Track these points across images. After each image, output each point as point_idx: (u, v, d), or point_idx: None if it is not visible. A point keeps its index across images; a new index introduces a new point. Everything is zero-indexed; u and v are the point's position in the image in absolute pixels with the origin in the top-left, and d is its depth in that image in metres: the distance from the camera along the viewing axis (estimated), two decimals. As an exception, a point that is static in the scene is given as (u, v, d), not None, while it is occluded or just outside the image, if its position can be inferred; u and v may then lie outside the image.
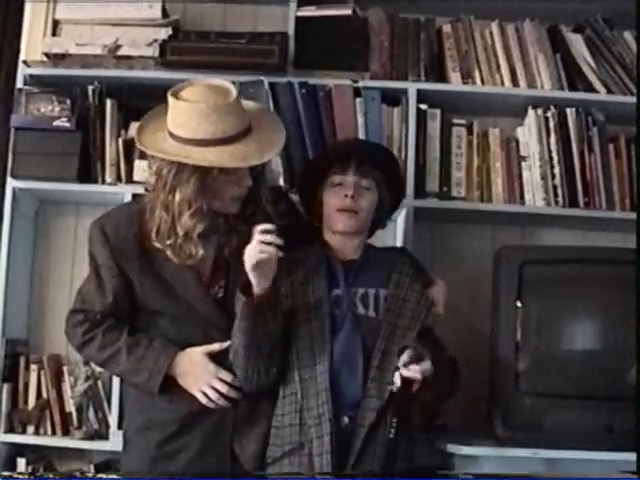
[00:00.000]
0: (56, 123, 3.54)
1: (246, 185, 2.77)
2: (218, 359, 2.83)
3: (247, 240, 2.65)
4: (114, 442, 3.36)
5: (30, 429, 3.50)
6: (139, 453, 2.87)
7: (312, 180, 3.01)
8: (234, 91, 2.74)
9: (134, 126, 3.55)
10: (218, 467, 2.82)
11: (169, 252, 2.77)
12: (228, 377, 2.81)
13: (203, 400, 2.81)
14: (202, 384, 2.80)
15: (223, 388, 2.80)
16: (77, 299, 2.93)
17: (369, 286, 2.88)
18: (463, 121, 3.69)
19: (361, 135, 3.55)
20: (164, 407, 2.84)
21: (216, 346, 2.82)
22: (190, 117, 2.67)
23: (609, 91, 3.67)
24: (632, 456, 2.86)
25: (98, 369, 3.42)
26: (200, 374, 2.81)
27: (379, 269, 2.94)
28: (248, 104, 2.88)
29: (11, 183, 3.57)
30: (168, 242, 2.76)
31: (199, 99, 2.69)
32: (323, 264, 2.90)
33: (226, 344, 2.80)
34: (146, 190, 2.87)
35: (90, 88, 3.61)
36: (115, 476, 3.35)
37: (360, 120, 3.57)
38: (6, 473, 3.39)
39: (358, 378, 2.76)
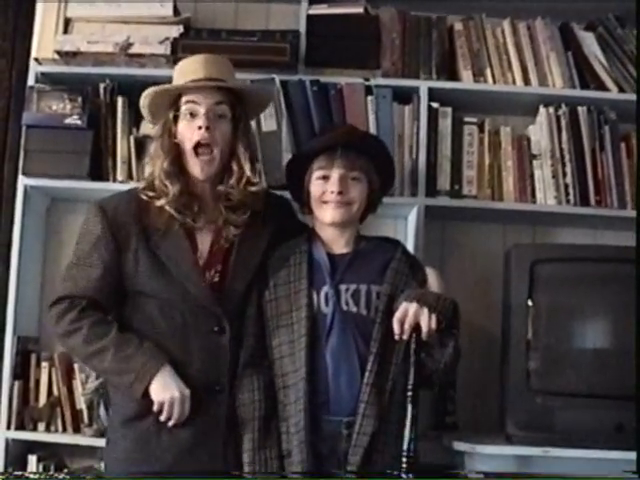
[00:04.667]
0: (67, 121, 3.54)
1: (204, 124, 2.83)
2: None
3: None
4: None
5: (41, 426, 3.50)
6: (127, 445, 2.82)
7: (298, 172, 2.98)
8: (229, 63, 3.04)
9: (145, 124, 3.56)
10: (210, 463, 2.78)
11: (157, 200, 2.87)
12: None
13: (156, 409, 2.76)
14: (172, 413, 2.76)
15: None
16: (61, 287, 2.89)
17: (360, 282, 2.84)
18: (474, 119, 3.68)
19: (372, 133, 3.51)
20: None
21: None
22: (190, 64, 2.94)
23: (621, 89, 3.66)
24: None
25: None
26: (176, 402, 2.74)
27: (372, 264, 2.90)
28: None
29: (22, 181, 3.57)
30: (147, 186, 2.90)
31: (200, 55, 2.98)
32: (304, 262, 2.87)
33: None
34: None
35: (101, 86, 3.61)
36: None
37: (371, 118, 3.57)
38: (18, 473, 3.39)
39: (357, 379, 2.75)
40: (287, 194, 3.16)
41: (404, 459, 2.64)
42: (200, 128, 2.83)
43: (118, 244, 2.84)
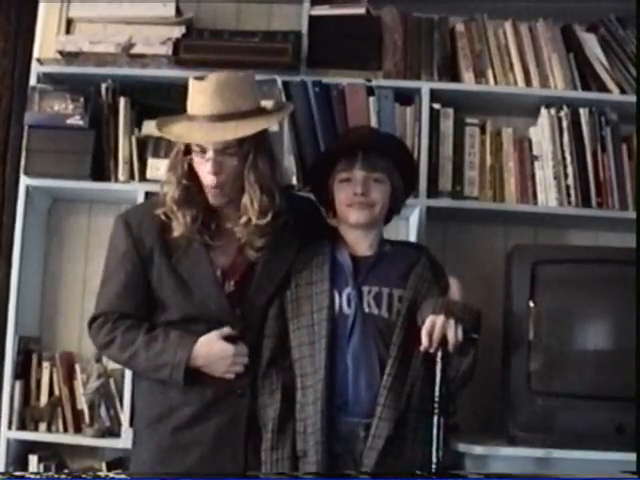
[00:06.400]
0: (69, 121, 3.54)
1: (212, 170, 2.79)
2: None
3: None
4: (126, 439, 3.36)
5: (42, 426, 3.51)
6: (150, 447, 2.87)
7: (321, 175, 2.99)
8: (247, 77, 2.86)
9: (147, 124, 3.57)
10: (232, 464, 2.81)
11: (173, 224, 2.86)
12: (245, 349, 2.82)
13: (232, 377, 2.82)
14: (226, 368, 2.80)
15: (245, 360, 2.83)
16: (96, 306, 2.95)
17: (383, 285, 2.85)
18: (476, 120, 3.68)
19: (374, 134, 3.52)
20: (177, 400, 2.84)
21: (227, 330, 2.82)
22: (197, 94, 2.80)
23: (622, 91, 3.65)
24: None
25: (110, 366, 3.44)
26: (221, 360, 2.80)
27: (395, 267, 2.90)
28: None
29: (24, 181, 3.57)
30: (162, 209, 2.87)
31: (211, 79, 2.79)
32: (327, 264, 2.88)
33: (235, 331, 2.83)
34: None
35: (103, 86, 3.61)
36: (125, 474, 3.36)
37: (373, 119, 3.56)
38: (18, 473, 3.39)
39: (376, 382, 2.76)
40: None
41: (433, 470, 2.67)
42: (209, 173, 2.81)
43: (143, 259, 2.89)
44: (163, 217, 2.87)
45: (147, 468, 2.85)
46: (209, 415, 2.83)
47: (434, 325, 2.70)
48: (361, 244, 2.94)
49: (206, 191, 2.85)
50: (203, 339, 2.81)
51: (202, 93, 2.79)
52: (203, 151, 2.80)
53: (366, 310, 2.82)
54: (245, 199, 2.83)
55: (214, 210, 2.91)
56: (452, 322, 2.70)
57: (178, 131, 2.84)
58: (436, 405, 2.71)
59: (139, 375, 2.97)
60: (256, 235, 2.86)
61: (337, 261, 2.90)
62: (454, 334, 2.69)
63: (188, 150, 2.84)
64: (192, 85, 2.83)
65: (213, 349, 2.81)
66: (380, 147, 2.96)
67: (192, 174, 2.86)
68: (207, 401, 2.83)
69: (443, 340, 2.71)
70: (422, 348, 2.72)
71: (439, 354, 2.72)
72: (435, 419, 2.70)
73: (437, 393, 2.72)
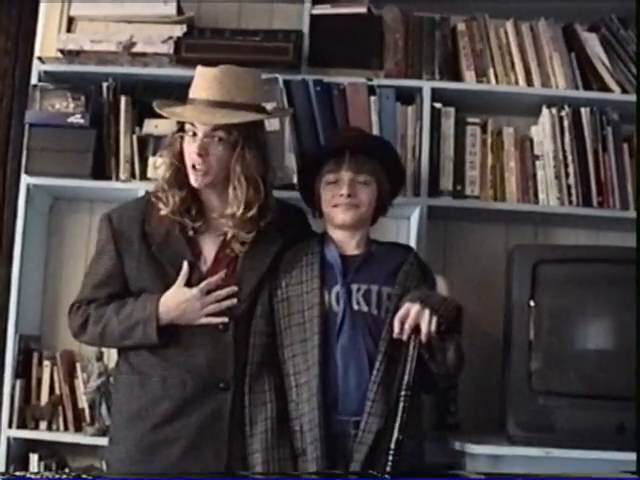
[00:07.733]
0: (70, 119, 3.54)
1: (197, 151, 2.84)
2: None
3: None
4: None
5: (43, 425, 3.51)
6: (128, 444, 2.85)
7: (308, 176, 3.02)
8: (251, 73, 2.95)
9: (148, 123, 3.57)
10: (214, 460, 2.80)
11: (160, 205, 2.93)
12: (209, 285, 2.85)
13: (213, 320, 2.84)
14: (200, 312, 2.84)
15: (218, 297, 2.85)
16: (77, 295, 3.01)
17: (372, 283, 2.87)
18: (477, 120, 3.68)
19: (375, 133, 3.53)
20: (156, 393, 2.84)
21: (184, 271, 2.87)
22: (200, 79, 2.90)
23: (624, 90, 3.65)
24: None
25: (111, 365, 3.44)
26: (191, 306, 2.83)
27: (383, 266, 2.92)
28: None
29: (25, 179, 3.58)
30: (154, 190, 2.98)
31: (214, 68, 2.89)
32: (317, 263, 2.90)
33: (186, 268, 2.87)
34: None
35: (105, 85, 3.61)
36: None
37: (374, 118, 3.56)
38: (19, 473, 3.39)
39: (365, 379, 2.76)
40: (288, 194, 3.18)
41: (390, 457, 2.63)
42: (194, 153, 2.86)
43: (120, 251, 2.94)
44: (153, 198, 2.93)
45: (126, 466, 2.83)
46: (190, 409, 2.82)
47: (408, 313, 2.71)
48: (348, 244, 2.96)
49: (189, 172, 2.89)
50: (168, 292, 2.85)
51: (203, 78, 2.90)
52: (195, 134, 2.86)
53: (355, 307, 2.83)
54: (231, 190, 2.88)
55: (201, 202, 2.96)
56: (427, 312, 2.69)
57: (174, 110, 2.93)
58: (402, 394, 2.67)
59: (115, 345, 3.01)
60: (243, 229, 2.90)
61: (326, 260, 2.92)
62: (427, 324, 2.68)
63: (183, 130, 2.91)
64: (197, 70, 2.93)
65: (178, 296, 2.84)
66: (367, 149, 2.99)
67: (183, 156, 2.92)
68: (188, 395, 2.83)
69: (417, 329, 2.70)
70: (394, 335, 2.72)
71: (411, 343, 2.71)
72: (400, 406, 2.66)
73: (404, 381, 2.68)
